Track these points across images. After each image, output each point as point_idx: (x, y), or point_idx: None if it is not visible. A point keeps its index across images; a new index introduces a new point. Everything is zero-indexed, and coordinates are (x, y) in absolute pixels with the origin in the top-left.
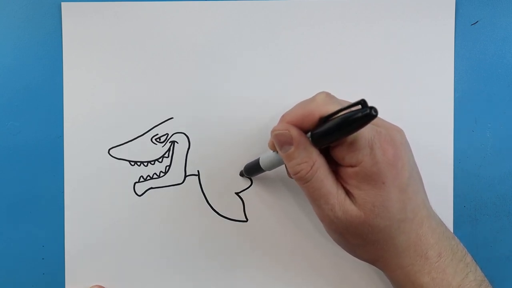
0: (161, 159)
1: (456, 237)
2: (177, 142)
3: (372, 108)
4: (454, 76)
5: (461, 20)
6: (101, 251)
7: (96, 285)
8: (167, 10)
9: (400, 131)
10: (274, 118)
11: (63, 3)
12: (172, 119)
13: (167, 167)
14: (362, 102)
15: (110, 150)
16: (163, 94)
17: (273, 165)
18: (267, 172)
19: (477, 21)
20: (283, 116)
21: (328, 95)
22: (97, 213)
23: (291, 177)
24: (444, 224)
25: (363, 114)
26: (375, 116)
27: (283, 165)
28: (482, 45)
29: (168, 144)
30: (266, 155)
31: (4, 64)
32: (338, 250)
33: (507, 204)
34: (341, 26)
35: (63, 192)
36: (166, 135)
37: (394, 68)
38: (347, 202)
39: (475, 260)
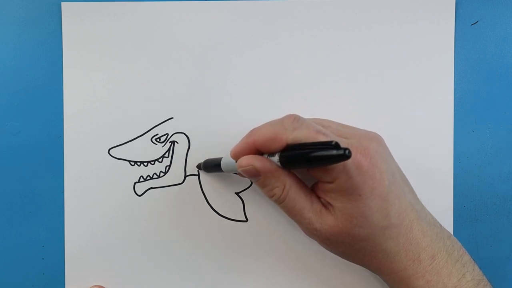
0: (161, 159)
1: (452, 237)
2: (177, 142)
3: (346, 149)
4: (454, 76)
5: (461, 20)
6: (101, 251)
7: (96, 285)
8: (167, 10)
9: (374, 138)
10: (275, 118)
11: (63, 3)
12: (172, 119)
13: (167, 167)
14: (334, 144)
15: (110, 150)
16: (163, 94)
17: (233, 171)
18: None
19: (477, 21)
20: (251, 132)
21: (295, 119)
22: (97, 213)
23: None
24: (438, 225)
25: (337, 154)
26: (349, 157)
27: None
28: (482, 45)
29: (168, 144)
30: (228, 162)
31: (4, 64)
32: None
33: (507, 204)
34: (340, 26)
35: (63, 192)
36: (166, 135)
37: (394, 68)
38: (324, 213)
39: (473, 259)
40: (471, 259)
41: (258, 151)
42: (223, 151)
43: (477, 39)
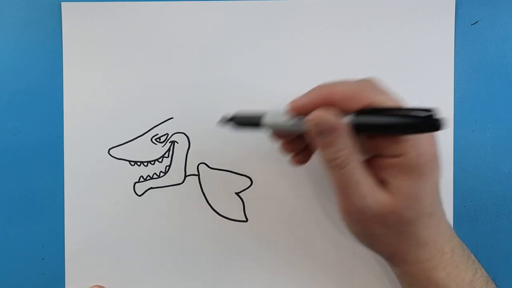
0: (161, 159)
1: None
2: (177, 142)
3: (438, 119)
4: (454, 76)
5: (461, 20)
6: (101, 251)
7: (96, 285)
8: (167, 10)
9: None
10: None
11: (63, 3)
12: (172, 119)
13: (167, 167)
14: (429, 112)
15: (110, 150)
16: (163, 94)
17: (281, 130)
18: (267, 172)
19: (477, 21)
20: (323, 87)
21: (376, 83)
22: (97, 213)
23: (294, 165)
24: None
25: (430, 123)
26: (439, 128)
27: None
28: (482, 45)
29: (168, 144)
30: (278, 117)
31: (4, 64)
32: (339, 250)
33: (507, 204)
34: (340, 26)
35: (63, 192)
36: (166, 135)
37: (394, 68)
38: (377, 190)
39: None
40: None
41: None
42: (223, 151)
43: (477, 39)
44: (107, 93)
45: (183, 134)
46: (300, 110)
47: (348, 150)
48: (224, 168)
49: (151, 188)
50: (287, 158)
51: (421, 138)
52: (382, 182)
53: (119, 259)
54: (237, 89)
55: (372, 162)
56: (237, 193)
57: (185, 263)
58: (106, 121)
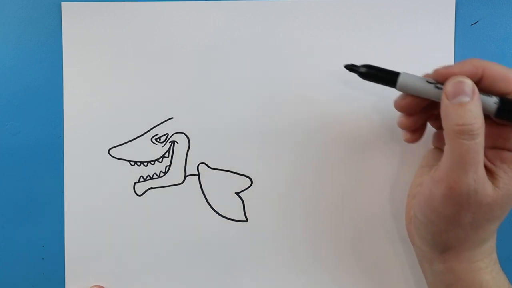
0: (161, 159)
1: None
2: (177, 142)
3: None
4: None
5: (461, 20)
6: (101, 251)
7: (96, 285)
8: (167, 10)
9: None
10: (275, 118)
11: (63, 3)
12: (172, 119)
13: (167, 167)
14: None
15: (110, 150)
16: (163, 94)
17: (414, 92)
18: (266, 172)
19: (477, 21)
20: (474, 60)
21: None
22: (97, 213)
23: (406, 141)
24: None
25: None
26: None
27: None
28: (482, 45)
29: (168, 144)
30: (411, 77)
31: (4, 64)
32: (339, 250)
33: None
34: (340, 26)
35: (63, 192)
36: (166, 135)
37: (394, 68)
38: (485, 178)
39: None
40: None
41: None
42: (223, 151)
43: (477, 39)
44: (107, 93)
45: (183, 134)
46: (444, 78)
47: (482, 120)
48: (224, 168)
49: (151, 188)
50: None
51: None
52: (491, 174)
53: (119, 259)
54: (237, 89)
55: (488, 151)
56: (237, 193)
57: (185, 263)
58: (106, 121)
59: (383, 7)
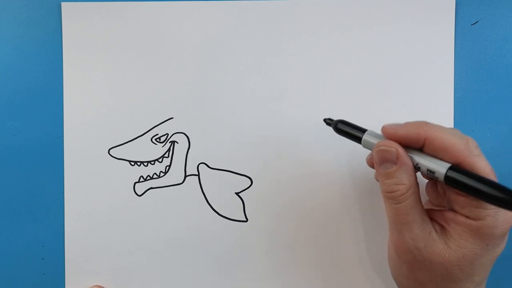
0: (161, 159)
1: None
2: (177, 142)
3: None
4: (454, 76)
5: (461, 20)
6: (101, 251)
7: (96, 285)
8: (167, 10)
9: None
10: (274, 118)
11: (63, 3)
12: (172, 119)
13: (167, 167)
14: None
15: (110, 150)
16: (163, 94)
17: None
18: (267, 172)
19: (477, 21)
20: (424, 126)
21: (477, 146)
22: (97, 213)
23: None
24: None
25: None
26: None
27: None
28: (482, 45)
29: (168, 144)
30: (372, 138)
31: (4, 64)
32: (339, 250)
33: None
34: (341, 26)
35: (63, 192)
36: (166, 135)
37: (394, 68)
38: (433, 237)
39: None
40: None
41: (415, 146)
42: (223, 151)
43: (477, 39)
44: (107, 93)
45: (183, 134)
46: (391, 138)
47: (406, 186)
48: (224, 168)
49: (151, 188)
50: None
51: (502, 212)
52: (444, 232)
53: (119, 259)
54: (237, 89)
55: (442, 212)
56: (237, 193)
57: (185, 263)
58: (106, 121)
59: (383, 7)
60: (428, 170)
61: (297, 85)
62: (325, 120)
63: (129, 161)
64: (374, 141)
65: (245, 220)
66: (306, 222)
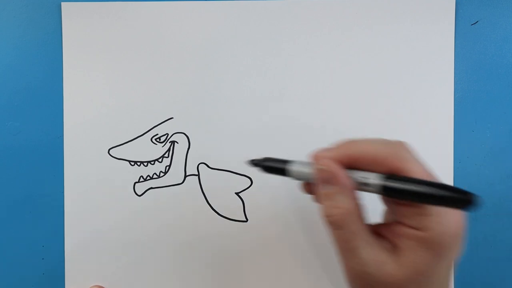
0: (161, 159)
1: None
2: (177, 142)
3: (472, 194)
4: (454, 76)
5: (461, 20)
6: (101, 251)
7: (96, 285)
8: (167, 10)
9: None
10: (274, 118)
11: (63, 3)
12: (172, 119)
13: (167, 167)
14: (461, 192)
15: (110, 150)
16: (163, 94)
17: (304, 180)
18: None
19: (477, 21)
20: (350, 144)
21: (407, 148)
22: (97, 213)
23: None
24: None
25: (461, 201)
26: (471, 205)
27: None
28: (482, 45)
29: (168, 144)
30: (300, 167)
31: (4, 64)
32: None
33: (507, 204)
34: (341, 26)
35: (63, 192)
36: (166, 135)
37: (394, 68)
38: (384, 258)
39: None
40: None
41: (348, 166)
42: (223, 151)
43: (477, 39)
44: (107, 93)
45: (183, 134)
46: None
47: (347, 210)
48: (224, 168)
49: (151, 188)
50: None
51: (448, 216)
52: (395, 249)
53: (119, 259)
54: (237, 89)
55: (391, 227)
56: (237, 193)
57: (185, 263)
58: (106, 121)
59: (383, 7)
60: (362, 184)
61: (297, 85)
62: (249, 162)
63: (129, 161)
64: (306, 169)
65: (245, 220)
66: (306, 222)
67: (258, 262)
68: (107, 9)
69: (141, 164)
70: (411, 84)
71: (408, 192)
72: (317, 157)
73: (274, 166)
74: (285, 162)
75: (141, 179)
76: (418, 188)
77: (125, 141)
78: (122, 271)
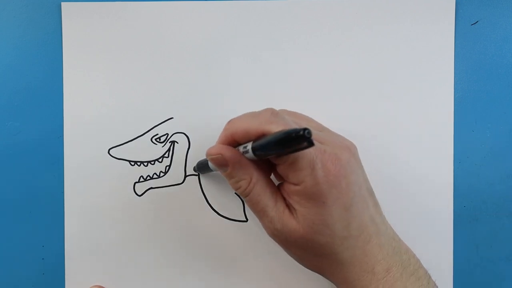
0: (161, 159)
1: (410, 251)
2: (177, 142)
3: (305, 129)
4: (454, 76)
5: (461, 20)
6: (101, 251)
7: (96, 285)
8: (167, 10)
9: (348, 148)
10: None
11: (63, 3)
12: (172, 119)
13: (167, 167)
14: (306, 130)
15: (110, 150)
16: (163, 94)
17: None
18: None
19: (477, 21)
20: (228, 124)
21: (273, 113)
22: (97, 213)
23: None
24: (397, 238)
25: (297, 135)
26: (307, 139)
27: None
28: (482, 45)
29: (168, 144)
30: (207, 162)
31: (4, 64)
32: None
33: (507, 204)
34: (341, 26)
35: (63, 192)
36: (166, 135)
37: (394, 68)
38: (286, 215)
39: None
40: (427, 272)
41: (236, 143)
42: None
43: (477, 39)
44: (107, 93)
45: (183, 134)
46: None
47: (246, 180)
48: None
49: (151, 188)
50: None
51: (318, 167)
52: (292, 208)
53: (119, 259)
54: (237, 89)
55: (282, 188)
56: (237, 193)
57: (185, 263)
58: (106, 121)
59: (383, 7)
60: (245, 153)
61: (297, 85)
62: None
63: (129, 161)
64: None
65: (245, 220)
66: None
67: (258, 262)
68: (107, 9)
69: (141, 164)
70: (411, 84)
71: (263, 147)
72: (207, 151)
73: (200, 166)
74: (202, 161)
75: (141, 179)
76: (265, 140)
77: (125, 141)
78: (122, 271)
